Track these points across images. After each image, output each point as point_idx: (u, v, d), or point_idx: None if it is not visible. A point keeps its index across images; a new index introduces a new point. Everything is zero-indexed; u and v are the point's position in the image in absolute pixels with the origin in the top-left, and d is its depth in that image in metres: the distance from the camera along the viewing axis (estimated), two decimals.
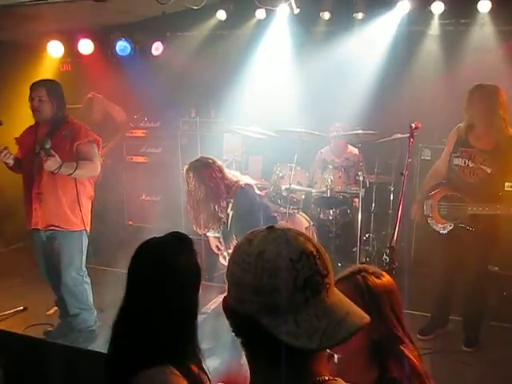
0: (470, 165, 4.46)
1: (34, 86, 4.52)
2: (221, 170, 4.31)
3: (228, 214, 4.36)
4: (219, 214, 4.30)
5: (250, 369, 1.25)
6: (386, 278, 2.03)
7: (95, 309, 4.81)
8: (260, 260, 1.13)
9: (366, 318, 1.17)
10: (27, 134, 4.62)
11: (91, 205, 4.77)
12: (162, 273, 1.96)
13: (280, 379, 1.15)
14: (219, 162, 4.40)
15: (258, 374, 1.22)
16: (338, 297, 1.20)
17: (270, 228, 1.20)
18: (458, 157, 4.52)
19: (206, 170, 4.23)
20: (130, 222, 7.70)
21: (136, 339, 1.92)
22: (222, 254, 4.58)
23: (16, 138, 4.72)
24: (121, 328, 2.00)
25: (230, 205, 4.30)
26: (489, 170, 4.39)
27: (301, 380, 1.17)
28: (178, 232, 2.07)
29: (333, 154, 6.51)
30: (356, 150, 6.39)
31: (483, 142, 4.44)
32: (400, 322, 2.01)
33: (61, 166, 4.26)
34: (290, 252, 1.13)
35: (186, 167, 4.33)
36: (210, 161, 4.32)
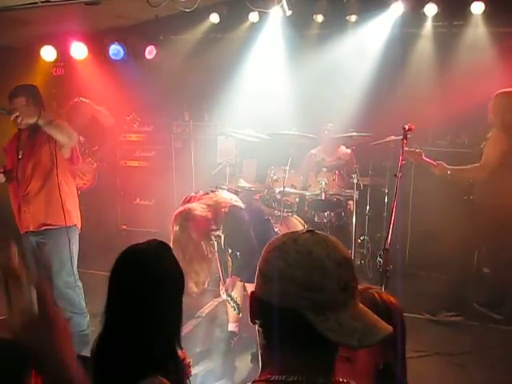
0: None
1: (13, 94, 4.45)
2: (204, 209, 4.20)
3: (220, 237, 4.36)
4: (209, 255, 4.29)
5: (264, 357, 1.29)
6: (393, 298, 1.98)
7: (88, 313, 4.78)
8: (310, 258, 1.20)
9: (389, 328, 1.25)
10: (11, 141, 4.62)
11: (79, 205, 4.75)
12: (145, 281, 1.93)
13: (304, 370, 1.22)
14: (200, 194, 4.38)
15: (283, 360, 1.25)
16: (363, 306, 1.27)
17: (311, 231, 1.27)
18: None
19: (192, 223, 4.12)
20: (124, 226, 7.68)
21: (124, 351, 1.87)
22: (221, 289, 4.52)
23: (3, 147, 4.70)
24: (106, 341, 1.95)
25: (220, 231, 4.29)
26: None
27: (325, 376, 1.23)
28: (156, 239, 2.05)
29: (324, 154, 6.50)
30: (348, 150, 6.39)
31: None
32: (403, 354, 1.95)
33: (39, 116, 4.23)
34: (334, 255, 1.22)
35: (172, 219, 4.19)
36: (195, 211, 4.15)
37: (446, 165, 4.88)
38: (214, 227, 4.24)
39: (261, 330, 1.28)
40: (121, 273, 1.99)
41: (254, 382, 1.26)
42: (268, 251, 1.28)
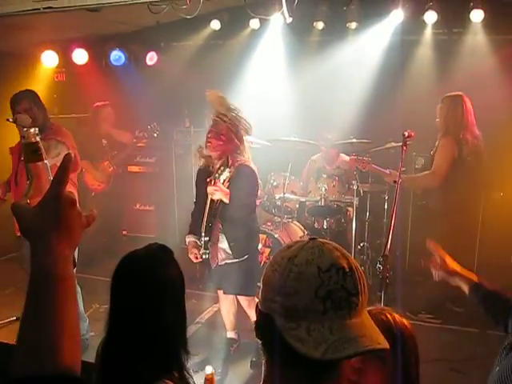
0: None
1: (17, 100, 4.53)
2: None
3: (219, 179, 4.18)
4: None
5: (265, 370, 1.26)
6: (408, 322, 1.90)
7: (87, 318, 4.79)
8: (290, 263, 1.16)
9: (382, 344, 1.15)
10: (16, 146, 4.65)
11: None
12: (146, 287, 1.93)
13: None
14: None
15: (270, 376, 1.23)
16: (364, 320, 1.18)
17: (312, 239, 1.23)
18: None
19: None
20: (124, 232, 7.68)
21: (129, 358, 1.88)
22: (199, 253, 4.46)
23: (10, 148, 4.73)
24: (111, 348, 1.95)
25: (226, 173, 4.14)
26: None
27: None
28: (156, 243, 2.06)
29: (324, 162, 6.50)
30: (348, 158, 6.40)
31: None
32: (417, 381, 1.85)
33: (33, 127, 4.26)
34: (320, 261, 1.15)
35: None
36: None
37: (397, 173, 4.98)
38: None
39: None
40: (122, 279, 2.00)
41: None
42: (272, 257, 1.28)
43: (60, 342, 1.00)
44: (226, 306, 4.64)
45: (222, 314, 4.75)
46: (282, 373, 1.18)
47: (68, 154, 1.10)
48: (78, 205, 1.11)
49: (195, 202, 4.61)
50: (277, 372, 1.19)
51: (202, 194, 4.38)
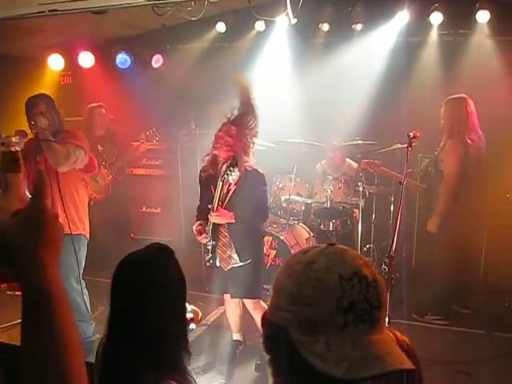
0: None
1: (32, 103, 4.52)
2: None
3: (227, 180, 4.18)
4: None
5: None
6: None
7: (93, 320, 4.80)
8: (308, 269, 1.06)
9: (409, 364, 1.03)
10: (29, 143, 4.62)
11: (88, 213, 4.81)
12: (145, 287, 1.93)
13: None
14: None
15: None
16: (386, 337, 1.08)
17: (331, 244, 1.13)
18: None
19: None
20: (132, 235, 7.69)
21: (129, 358, 1.87)
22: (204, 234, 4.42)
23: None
24: (112, 348, 1.95)
25: (236, 173, 4.10)
26: None
27: None
28: (157, 243, 2.05)
29: (330, 169, 6.49)
30: (354, 164, 6.38)
31: None
32: None
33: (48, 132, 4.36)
34: (342, 268, 1.05)
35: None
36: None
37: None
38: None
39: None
40: (120, 280, 1.99)
41: None
42: (284, 262, 1.17)
43: (67, 364, 0.96)
44: (232, 308, 4.64)
45: (228, 316, 4.75)
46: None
47: (40, 171, 1.10)
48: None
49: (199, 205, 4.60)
50: None
51: (206, 198, 4.40)
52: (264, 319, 1.14)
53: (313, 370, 1.00)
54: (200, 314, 2.67)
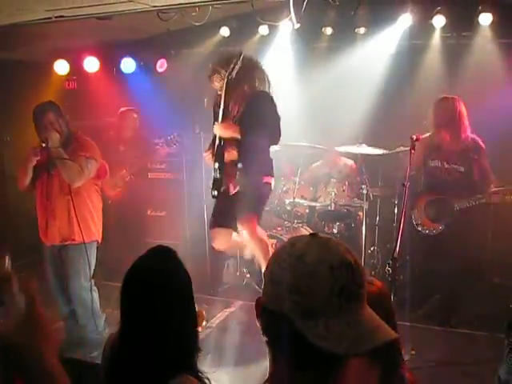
0: (446, 166, 4.88)
1: (40, 112, 4.58)
2: None
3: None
4: None
5: (270, 369, 1.28)
6: (377, 283, 1.88)
7: (104, 314, 4.94)
8: (301, 262, 1.18)
9: (395, 334, 1.21)
10: (40, 160, 4.68)
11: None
12: (159, 289, 1.98)
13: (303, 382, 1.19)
14: None
15: (280, 374, 1.25)
16: (369, 311, 1.23)
17: (314, 235, 1.26)
18: (434, 159, 4.87)
19: None
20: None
21: (145, 357, 1.92)
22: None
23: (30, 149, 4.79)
24: (126, 348, 2.00)
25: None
26: (462, 168, 4.85)
27: None
28: (160, 245, 2.10)
29: (326, 167, 6.50)
30: (350, 162, 6.40)
31: (452, 145, 4.87)
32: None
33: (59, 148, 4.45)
34: (331, 259, 1.18)
35: None
36: None
37: None
38: None
39: (262, 335, 1.27)
40: (132, 282, 2.04)
41: None
42: (273, 253, 1.31)
43: None
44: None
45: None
46: (296, 370, 1.20)
47: (28, 279, 1.24)
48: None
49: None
50: (291, 369, 1.20)
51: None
52: (260, 307, 1.26)
53: (316, 350, 1.14)
54: (204, 317, 2.70)
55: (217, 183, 4.34)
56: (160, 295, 1.98)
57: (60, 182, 4.57)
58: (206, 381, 2.00)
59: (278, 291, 1.20)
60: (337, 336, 1.14)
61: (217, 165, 4.30)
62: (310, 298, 1.16)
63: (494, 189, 4.96)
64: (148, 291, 1.99)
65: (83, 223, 4.63)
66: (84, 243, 4.61)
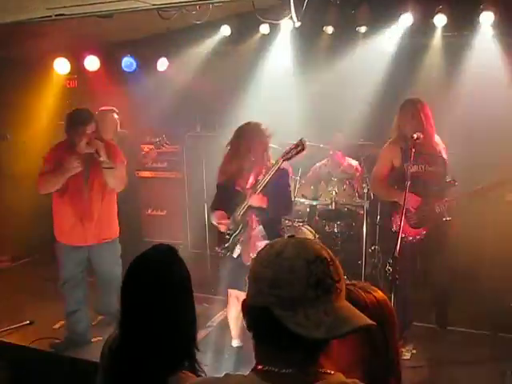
0: (428, 168, 4.66)
1: (83, 120, 4.68)
2: None
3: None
4: None
5: (256, 357, 1.38)
6: (377, 293, 1.78)
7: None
8: (279, 258, 1.28)
9: (372, 322, 1.30)
10: (64, 152, 4.69)
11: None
12: (161, 285, 2.01)
13: (284, 366, 1.29)
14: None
15: (264, 360, 1.34)
16: (347, 303, 1.33)
17: (291, 236, 1.38)
18: (414, 164, 4.56)
19: None
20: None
21: (145, 354, 1.94)
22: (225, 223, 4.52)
23: (47, 156, 4.84)
24: (127, 346, 2.01)
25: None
26: (441, 170, 4.70)
27: (304, 369, 1.29)
28: (162, 244, 2.12)
29: (329, 168, 6.50)
30: (354, 162, 6.39)
31: (426, 147, 4.62)
32: (390, 350, 1.76)
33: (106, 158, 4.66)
34: (306, 254, 1.28)
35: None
36: None
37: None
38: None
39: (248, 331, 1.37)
40: (134, 279, 2.06)
41: (251, 371, 1.35)
42: (255, 255, 1.39)
43: None
44: (238, 310, 4.63)
45: (230, 320, 4.74)
46: (281, 355, 1.29)
47: None
48: None
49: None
50: (277, 355, 1.30)
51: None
52: (245, 305, 1.35)
53: (297, 337, 1.23)
54: None
55: (232, 245, 4.47)
56: (160, 290, 2.00)
57: (100, 186, 4.77)
58: (203, 374, 2.01)
59: (260, 288, 1.29)
60: (315, 323, 1.23)
61: (234, 232, 4.44)
62: (288, 290, 1.25)
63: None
64: (148, 286, 2.00)
65: (114, 219, 5.03)
66: (117, 237, 5.04)
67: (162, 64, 7.31)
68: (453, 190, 4.77)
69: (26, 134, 7.09)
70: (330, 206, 5.92)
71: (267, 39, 6.82)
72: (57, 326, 5.37)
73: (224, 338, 4.95)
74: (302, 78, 6.77)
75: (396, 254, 3.31)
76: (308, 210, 6.17)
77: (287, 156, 4.23)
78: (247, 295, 1.35)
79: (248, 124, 4.56)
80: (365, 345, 1.68)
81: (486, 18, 5.75)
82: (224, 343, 4.86)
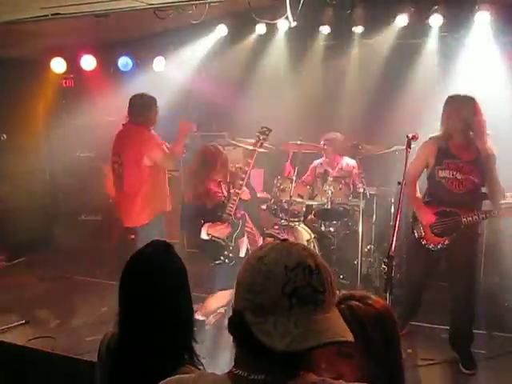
0: (459, 176, 4.35)
1: (148, 105, 5.49)
2: None
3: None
4: None
5: (234, 360, 1.33)
6: (378, 304, 1.79)
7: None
8: (260, 263, 1.24)
9: (346, 336, 1.22)
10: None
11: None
12: (159, 279, 2.03)
13: (255, 372, 1.25)
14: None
15: (238, 363, 1.31)
16: (331, 316, 1.25)
17: (283, 240, 1.32)
18: (445, 169, 4.39)
19: None
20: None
21: (147, 350, 1.96)
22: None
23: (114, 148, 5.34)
24: (128, 343, 2.03)
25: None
26: (476, 180, 4.35)
27: (275, 378, 1.24)
28: (159, 240, 2.16)
29: (327, 166, 6.51)
30: (351, 161, 6.41)
31: (466, 153, 4.39)
32: (394, 357, 1.80)
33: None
34: (287, 260, 1.22)
35: None
36: None
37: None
38: None
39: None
40: (133, 275, 2.08)
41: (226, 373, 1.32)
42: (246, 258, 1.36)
43: None
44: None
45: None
46: (253, 360, 1.26)
47: None
48: None
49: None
50: (249, 360, 1.27)
51: None
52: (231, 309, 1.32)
53: (262, 345, 1.18)
54: None
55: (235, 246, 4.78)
56: (158, 285, 2.02)
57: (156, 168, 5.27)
58: (201, 367, 2.03)
59: (238, 291, 1.27)
60: (281, 333, 1.17)
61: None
62: (261, 296, 1.20)
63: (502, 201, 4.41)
64: (146, 282, 2.03)
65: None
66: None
67: (159, 63, 7.31)
68: (487, 202, 4.49)
69: (24, 134, 7.08)
70: (326, 206, 5.92)
71: (263, 39, 6.82)
72: (53, 324, 5.37)
73: (220, 336, 4.95)
74: (299, 77, 6.78)
75: (391, 253, 3.31)
76: (304, 209, 6.16)
77: (259, 143, 4.72)
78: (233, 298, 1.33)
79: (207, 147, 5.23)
80: (369, 358, 1.69)
81: (482, 18, 5.77)
82: (220, 342, 4.85)
